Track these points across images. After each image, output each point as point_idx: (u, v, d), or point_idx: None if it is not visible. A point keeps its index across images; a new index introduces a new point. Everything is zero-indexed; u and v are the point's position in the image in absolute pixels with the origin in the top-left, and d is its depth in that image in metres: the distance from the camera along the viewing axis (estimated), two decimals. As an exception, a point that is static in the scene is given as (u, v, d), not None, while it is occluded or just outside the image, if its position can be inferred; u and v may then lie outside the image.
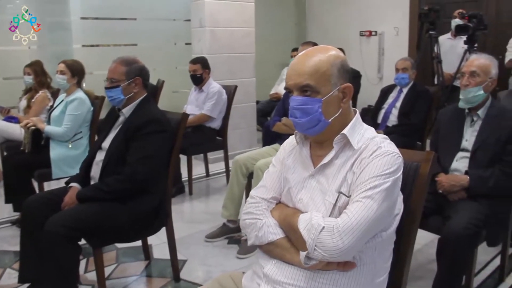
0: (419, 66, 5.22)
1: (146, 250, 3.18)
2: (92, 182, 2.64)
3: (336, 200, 1.47)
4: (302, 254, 1.40)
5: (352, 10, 6.78)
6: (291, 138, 1.70)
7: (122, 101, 2.61)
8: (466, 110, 2.71)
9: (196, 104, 4.41)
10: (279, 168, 1.68)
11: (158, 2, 6.96)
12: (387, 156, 1.44)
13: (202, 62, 4.38)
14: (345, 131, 1.50)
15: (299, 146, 1.63)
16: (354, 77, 5.53)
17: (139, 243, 3.12)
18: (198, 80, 4.38)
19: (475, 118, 2.67)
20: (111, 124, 2.73)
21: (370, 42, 6.64)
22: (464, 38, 4.44)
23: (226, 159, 4.56)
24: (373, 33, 6.59)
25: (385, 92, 4.35)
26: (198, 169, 4.95)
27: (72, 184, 2.64)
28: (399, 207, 1.55)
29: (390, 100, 4.24)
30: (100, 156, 2.62)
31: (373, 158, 1.44)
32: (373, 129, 1.60)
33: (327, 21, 7.15)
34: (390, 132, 4.01)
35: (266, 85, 6.46)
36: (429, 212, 2.56)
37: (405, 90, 4.17)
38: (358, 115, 1.59)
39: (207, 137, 4.34)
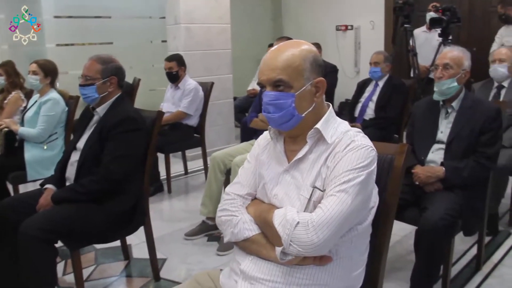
0: (395, 60, 5.27)
1: (125, 250, 3.15)
2: (67, 183, 2.60)
3: (311, 194, 1.47)
4: (278, 249, 1.40)
5: (328, 4, 6.80)
6: (266, 134, 1.70)
7: (96, 100, 2.57)
8: (441, 102, 2.74)
9: (172, 102, 4.38)
10: (253, 164, 1.68)
11: (133, 0, 6.89)
12: (360, 149, 1.44)
13: (177, 60, 4.35)
14: (318, 125, 1.51)
15: (273, 141, 1.63)
16: (331, 71, 5.59)
17: (118, 243, 3.08)
18: (174, 78, 4.35)
19: (449, 110, 2.70)
20: (86, 123, 2.69)
21: (347, 36, 6.67)
22: (439, 31, 4.50)
23: (204, 156, 4.54)
24: (349, 27, 6.62)
25: (361, 86, 4.38)
26: (177, 167, 4.92)
27: (47, 185, 2.60)
28: (375, 200, 1.56)
29: (366, 93, 4.27)
30: (75, 157, 2.58)
31: (346, 152, 1.44)
32: (346, 122, 1.60)
33: (303, 16, 7.17)
34: (367, 126, 4.05)
35: (243, 81, 6.44)
36: (406, 204, 2.59)
37: (381, 84, 4.21)
38: (331, 109, 1.59)
39: (184, 135, 4.32)
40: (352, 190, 1.39)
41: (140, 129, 2.55)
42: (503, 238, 3.30)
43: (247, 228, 1.54)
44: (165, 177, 4.35)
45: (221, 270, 1.68)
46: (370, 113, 4.15)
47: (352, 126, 3.74)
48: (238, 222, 1.56)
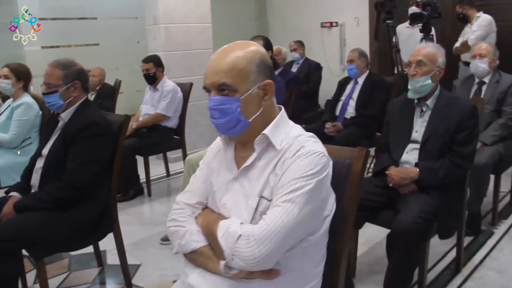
0: (380, 56, 5.19)
1: (99, 257, 3.07)
2: (33, 191, 2.51)
3: (257, 204, 1.39)
4: (222, 263, 1.32)
5: (312, 1, 6.70)
6: (218, 139, 1.61)
7: (61, 107, 2.50)
8: (416, 101, 2.65)
9: (151, 104, 4.28)
10: (205, 172, 1.60)
11: (119, 1, 6.79)
12: (310, 156, 1.35)
13: (154, 61, 4.25)
14: (266, 130, 1.42)
15: (224, 147, 1.55)
16: (315, 69, 5.50)
17: (92, 249, 3.00)
18: (152, 79, 4.25)
19: (424, 109, 2.61)
20: (52, 129, 2.61)
21: (332, 33, 6.57)
22: (420, 26, 4.41)
23: (185, 158, 4.43)
24: (334, 24, 6.52)
25: (342, 84, 4.29)
26: (159, 169, 4.83)
27: (12, 193, 2.53)
28: (330, 208, 1.47)
29: (347, 91, 4.18)
30: (39, 163, 2.51)
31: (295, 159, 1.36)
32: (299, 127, 1.51)
33: (288, 13, 7.07)
34: (349, 124, 3.96)
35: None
36: (381, 206, 2.51)
37: (360, 81, 4.12)
38: (283, 112, 1.50)
39: (164, 137, 4.21)
40: (299, 199, 1.30)
41: (104, 134, 2.47)
42: (485, 237, 3.21)
43: (194, 239, 1.46)
44: (145, 180, 4.25)
45: (174, 281, 1.61)
46: (351, 111, 4.05)
47: (332, 126, 3.60)
48: (185, 233, 1.48)
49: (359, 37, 6.00)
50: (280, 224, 1.28)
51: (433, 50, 2.60)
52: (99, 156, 2.43)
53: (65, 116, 2.51)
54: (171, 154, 4.78)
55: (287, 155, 1.38)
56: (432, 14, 4.18)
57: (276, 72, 4.78)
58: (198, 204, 1.56)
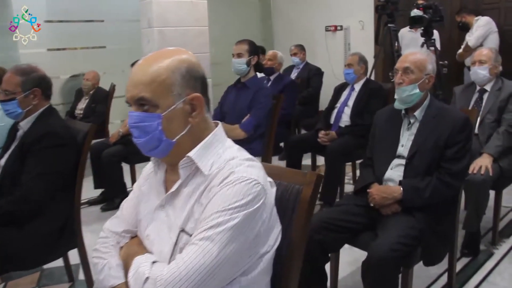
0: (383, 61, 4.90)
1: (69, 271, 2.85)
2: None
3: (177, 239, 1.17)
4: None
5: (317, 4, 6.44)
6: (154, 159, 1.37)
7: (20, 115, 2.32)
8: (403, 112, 2.38)
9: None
10: (136, 195, 1.39)
11: (125, 3, 6.61)
12: (238, 184, 1.12)
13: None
14: (191, 153, 1.20)
15: (155, 169, 1.33)
16: (315, 74, 5.22)
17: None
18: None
19: (412, 120, 2.34)
20: (12, 139, 2.41)
21: (336, 37, 6.30)
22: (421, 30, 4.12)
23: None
24: (339, 27, 6.25)
25: (338, 91, 4.01)
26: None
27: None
28: (271, 243, 1.23)
29: (342, 98, 3.90)
30: (-4, 175, 2.30)
31: (221, 187, 1.13)
32: (237, 147, 1.27)
33: (293, 17, 6.81)
34: (343, 133, 3.69)
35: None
36: (361, 227, 2.24)
37: (357, 88, 3.84)
38: (219, 130, 1.28)
39: (152, 144, 3.99)
40: (220, 237, 1.07)
41: (64, 144, 2.27)
42: (484, 259, 2.90)
43: (112, 275, 1.25)
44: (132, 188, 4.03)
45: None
46: (345, 119, 3.77)
47: (326, 134, 3.26)
48: (104, 266, 1.27)
49: (364, 41, 5.71)
50: (194, 266, 1.05)
51: (421, 56, 2.33)
52: (56, 168, 2.22)
53: (24, 125, 2.32)
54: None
55: (215, 182, 1.16)
56: (433, 17, 3.88)
57: (272, 78, 4.52)
58: (125, 232, 1.35)
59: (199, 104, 1.20)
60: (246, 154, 1.25)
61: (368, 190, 2.27)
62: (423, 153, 2.22)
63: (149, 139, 1.17)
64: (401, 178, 2.24)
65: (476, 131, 3.09)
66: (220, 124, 1.31)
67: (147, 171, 1.39)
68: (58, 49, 6.08)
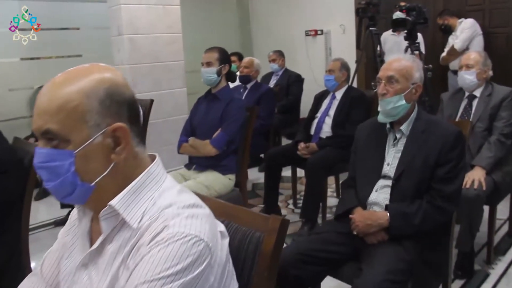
0: (365, 66, 4.62)
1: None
2: None
3: None
4: None
5: (297, 8, 6.15)
6: None
7: None
8: (387, 125, 2.08)
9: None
10: (61, 246, 1.08)
11: (102, 10, 6.25)
12: (173, 243, 0.84)
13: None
14: (114, 200, 0.91)
15: (79, 215, 1.03)
16: (295, 81, 4.92)
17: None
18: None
19: (398, 136, 2.05)
20: None
21: (317, 41, 6.01)
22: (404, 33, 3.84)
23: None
24: (319, 32, 5.96)
25: (318, 99, 3.71)
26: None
27: None
28: None
29: (323, 107, 3.60)
30: None
31: (151, 247, 0.85)
32: (179, 189, 0.99)
33: (272, 21, 6.52)
34: (324, 145, 3.39)
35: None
36: (344, 258, 1.94)
37: (338, 96, 3.54)
38: (155, 166, 0.98)
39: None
40: None
41: (4, 171, 1.94)
42: (479, 280, 2.62)
43: None
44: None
45: None
46: (326, 130, 3.47)
47: (306, 147, 2.90)
48: None
49: (345, 45, 5.44)
50: None
51: (407, 63, 2.04)
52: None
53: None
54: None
55: (145, 239, 0.87)
56: (417, 19, 3.60)
57: (248, 86, 4.21)
58: None
59: (123, 136, 0.91)
60: (189, 199, 0.95)
61: (350, 216, 1.97)
62: (411, 173, 1.93)
63: (60, 183, 0.88)
64: (387, 202, 1.95)
65: (466, 141, 2.82)
66: (157, 158, 1.01)
67: (74, 216, 1.09)
68: (32, 59, 5.76)
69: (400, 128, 2.03)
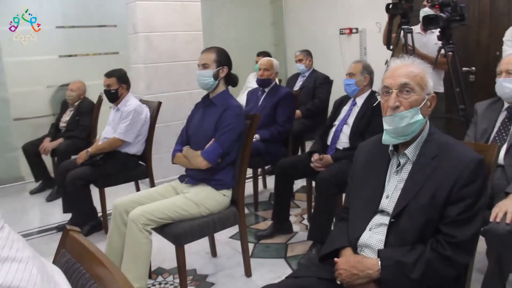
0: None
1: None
2: None
3: None
4: None
5: (331, 6, 5.63)
6: None
7: None
8: (390, 148, 1.63)
9: (112, 126, 3.43)
10: None
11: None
12: None
13: (118, 76, 3.40)
14: None
15: None
16: (321, 83, 4.46)
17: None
18: (113, 97, 3.40)
19: (402, 161, 1.59)
20: None
21: (351, 40, 5.48)
22: (437, 32, 3.29)
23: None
24: (354, 30, 5.43)
25: (338, 105, 3.25)
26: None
27: None
28: None
29: (342, 115, 3.14)
30: None
31: None
32: None
33: (306, 20, 6.03)
34: (339, 157, 2.94)
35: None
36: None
37: (359, 102, 3.07)
38: None
39: (123, 165, 3.34)
40: None
41: None
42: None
43: None
44: (102, 214, 3.41)
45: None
46: (344, 140, 3.01)
47: (320, 159, 2.71)
48: None
49: (382, 45, 4.88)
50: None
51: (419, 69, 1.58)
52: None
53: None
54: (145, 182, 3.86)
55: None
56: (452, 16, 3.05)
57: (266, 89, 3.80)
58: None
59: None
60: None
61: (335, 260, 1.54)
62: (414, 211, 1.48)
63: None
64: (382, 245, 1.51)
65: (501, 161, 2.30)
66: None
67: None
68: (70, 56, 5.64)
69: (405, 151, 1.57)
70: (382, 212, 1.57)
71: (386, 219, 1.54)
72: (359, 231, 1.57)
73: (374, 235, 1.54)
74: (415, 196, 1.49)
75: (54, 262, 0.99)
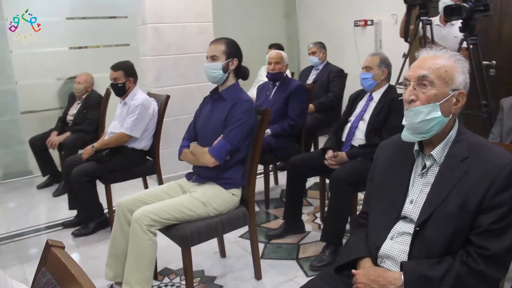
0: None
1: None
2: None
3: None
4: None
5: (346, -4, 5.46)
6: None
7: None
8: (415, 147, 1.47)
9: (119, 120, 3.30)
10: None
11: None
12: None
13: (125, 69, 3.26)
14: None
15: None
16: (335, 76, 4.30)
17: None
18: (120, 91, 3.27)
19: (428, 163, 1.43)
20: None
21: (366, 32, 5.28)
22: (459, 23, 3.10)
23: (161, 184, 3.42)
24: (369, 22, 5.23)
25: (353, 100, 3.08)
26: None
27: None
28: None
29: (357, 110, 2.97)
30: None
31: None
32: None
33: (320, 11, 5.84)
34: (355, 155, 2.79)
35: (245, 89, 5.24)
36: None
37: (376, 97, 2.90)
38: None
39: (130, 161, 3.21)
40: None
41: None
42: None
43: None
44: (108, 211, 3.29)
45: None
46: (360, 137, 2.85)
47: (334, 156, 2.45)
48: None
49: (398, 37, 4.69)
50: None
51: (447, 61, 1.41)
52: None
53: None
54: (153, 177, 3.73)
55: None
56: (476, 6, 2.86)
57: (277, 83, 3.64)
58: None
59: None
60: None
61: (353, 272, 1.39)
62: (442, 219, 1.32)
63: None
64: (405, 257, 1.36)
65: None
66: None
67: None
68: (80, 48, 5.54)
69: (431, 152, 1.42)
70: (405, 218, 1.42)
71: (409, 227, 1.38)
72: (380, 240, 1.42)
73: (397, 245, 1.39)
74: (443, 202, 1.33)
75: (33, 282, 0.86)
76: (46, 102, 5.05)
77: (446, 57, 1.43)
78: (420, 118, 1.38)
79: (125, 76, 3.26)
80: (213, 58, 2.37)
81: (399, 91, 2.91)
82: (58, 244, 0.89)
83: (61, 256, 0.84)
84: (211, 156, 2.27)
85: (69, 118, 4.27)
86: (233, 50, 2.40)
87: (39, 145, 4.18)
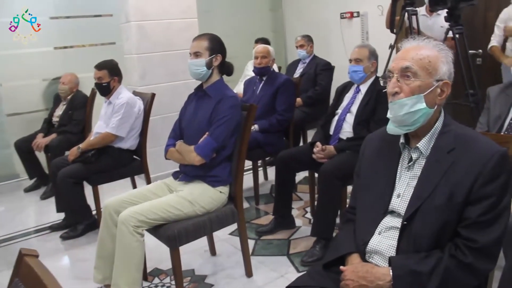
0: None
1: None
2: None
3: None
4: None
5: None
6: None
7: None
8: (401, 140, 1.45)
9: (104, 120, 3.24)
10: None
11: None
12: None
13: (109, 68, 3.20)
14: None
15: None
16: (323, 69, 4.27)
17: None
18: (105, 90, 3.21)
19: (414, 155, 1.40)
20: None
21: (352, 24, 5.25)
22: (444, 13, 3.07)
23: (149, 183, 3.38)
24: (355, 14, 5.20)
25: (340, 93, 3.06)
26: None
27: None
28: None
29: (345, 102, 2.95)
30: None
31: None
32: None
33: (305, 4, 5.79)
34: (343, 148, 2.77)
35: (231, 85, 5.17)
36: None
37: (363, 89, 2.88)
38: None
39: (116, 161, 3.16)
40: None
41: None
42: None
43: None
44: (96, 212, 3.24)
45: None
46: (347, 129, 2.82)
47: (322, 150, 2.48)
48: None
49: (384, 29, 4.66)
50: None
51: (432, 51, 1.38)
52: None
53: None
54: (141, 177, 3.68)
55: None
56: (461, -4, 2.84)
57: (264, 78, 3.60)
58: None
59: None
60: None
61: (341, 268, 1.37)
62: (429, 212, 1.30)
63: None
64: (393, 252, 1.33)
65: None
66: None
67: None
68: (65, 47, 5.44)
69: (418, 145, 1.39)
70: (393, 213, 1.40)
71: (397, 222, 1.36)
72: (368, 235, 1.40)
73: (384, 239, 1.37)
74: (430, 195, 1.31)
75: (5, 293, 0.83)
76: (32, 103, 4.95)
77: (430, 47, 1.40)
78: (405, 110, 1.36)
79: (110, 75, 3.20)
80: (196, 54, 2.33)
81: (382, 83, 2.88)
82: (32, 253, 0.85)
83: (34, 266, 0.80)
84: (196, 154, 2.23)
85: (55, 119, 4.21)
86: (216, 46, 2.36)
87: (25, 148, 4.11)
